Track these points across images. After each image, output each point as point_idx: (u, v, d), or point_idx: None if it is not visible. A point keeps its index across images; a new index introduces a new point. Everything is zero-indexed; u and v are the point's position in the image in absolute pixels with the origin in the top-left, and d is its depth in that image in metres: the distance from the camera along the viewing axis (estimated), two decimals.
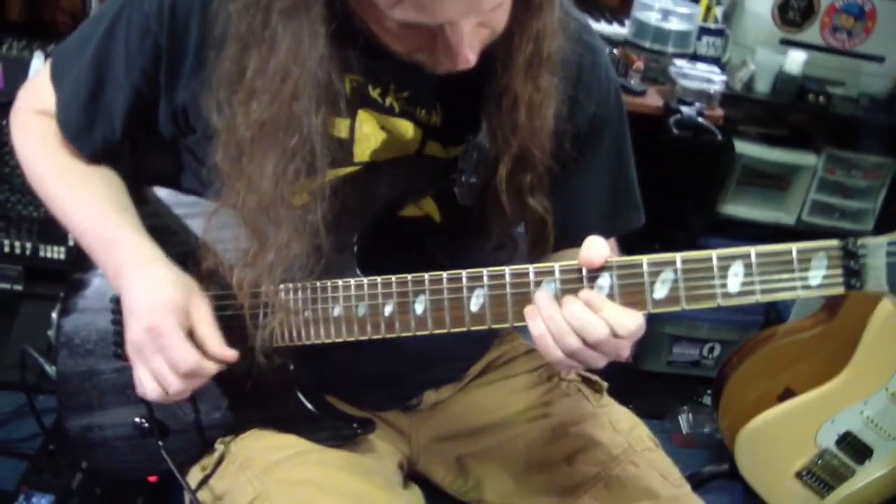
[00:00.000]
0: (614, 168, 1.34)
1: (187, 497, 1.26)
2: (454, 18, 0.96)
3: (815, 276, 0.95)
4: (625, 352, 1.04)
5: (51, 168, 1.28)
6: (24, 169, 1.31)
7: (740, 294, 0.97)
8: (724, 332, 2.98)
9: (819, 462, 2.33)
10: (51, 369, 1.34)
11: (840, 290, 0.95)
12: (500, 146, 1.15)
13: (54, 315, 1.33)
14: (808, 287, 0.95)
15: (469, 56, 1.01)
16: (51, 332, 1.33)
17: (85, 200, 1.25)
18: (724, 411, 2.51)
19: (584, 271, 1.00)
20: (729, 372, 2.50)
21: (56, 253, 2.50)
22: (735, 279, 0.96)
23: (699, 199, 2.60)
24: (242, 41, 1.05)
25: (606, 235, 1.30)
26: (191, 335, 1.14)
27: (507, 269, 1.03)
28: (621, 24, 2.65)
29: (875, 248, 0.93)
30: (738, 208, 2.87)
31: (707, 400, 2.95)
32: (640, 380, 2.91)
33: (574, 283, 1.00)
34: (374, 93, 1.17)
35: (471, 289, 1.04)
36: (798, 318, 2.74)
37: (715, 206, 2.80)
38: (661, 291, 0.98)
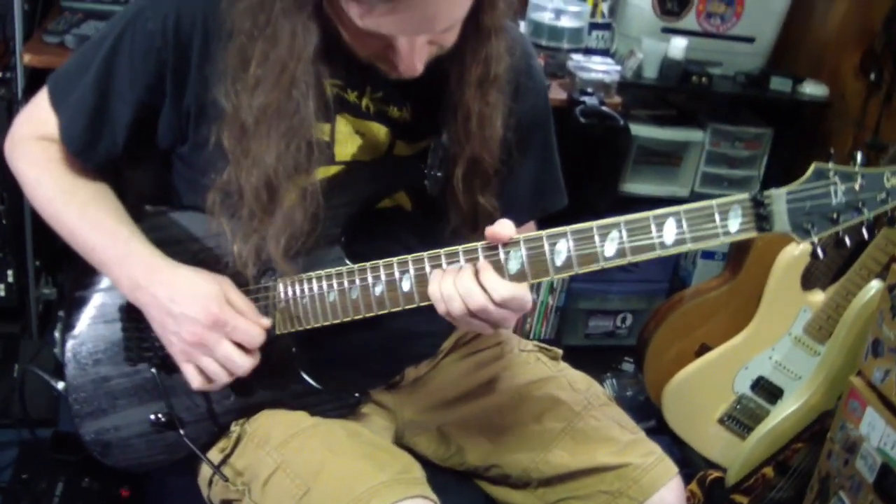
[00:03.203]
0: (543, 157, 1.45)
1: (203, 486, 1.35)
2: (410, 34, 1.10)
3: (734, 224, 1.09)
4: (509, 322, 1.15)
5: (58, 191, 1.31)
6: (28, 193, 1.34)
7: (675, 244, 1.09)
8: (634, 302, 3.11)
9: (738, 407, 2.46)
10: (59, 385, 1.40)
11: (754, 234, 1.10)
12: (456, 151, 1.26)
13: (57, 333, 1.39)
14: (728, 233, 1.09)
15: (418, 66, 1.14)
16: (56, 350, 1.39)
17: (94, 219, 1.29)
18: (648, 373, 2.61)
19: (545, 239, 1.11)
20: (648, 337, 2.62)
21: None
22: (670, 232, 1.09)
23: (604, 180, 2.66)
24: (247, 35, 1.14)
25: (536, 215, 1.44)
26: None
27: (479, 245, 1.14)
28: (516, 24, 2.75)
29: (777, 197, 1.09)
30: (637, 186, 2.97)
31: (626, 366, 3.03)
32: (563, 355, 3.03)
33: (537, 247, 1.11)
34: (352, 96, 1.26)
35: (449, 264, 1.15)
36: (700, 281, 2.89)
37: (618, 186, 2.86)
38: (610, 249, 1.10)
